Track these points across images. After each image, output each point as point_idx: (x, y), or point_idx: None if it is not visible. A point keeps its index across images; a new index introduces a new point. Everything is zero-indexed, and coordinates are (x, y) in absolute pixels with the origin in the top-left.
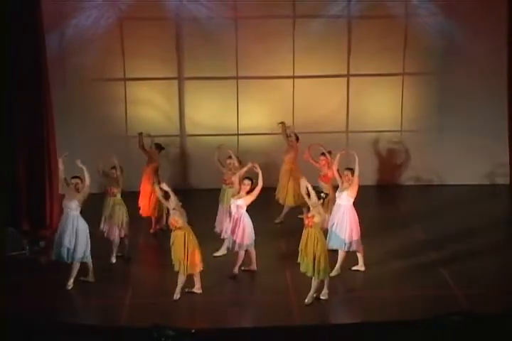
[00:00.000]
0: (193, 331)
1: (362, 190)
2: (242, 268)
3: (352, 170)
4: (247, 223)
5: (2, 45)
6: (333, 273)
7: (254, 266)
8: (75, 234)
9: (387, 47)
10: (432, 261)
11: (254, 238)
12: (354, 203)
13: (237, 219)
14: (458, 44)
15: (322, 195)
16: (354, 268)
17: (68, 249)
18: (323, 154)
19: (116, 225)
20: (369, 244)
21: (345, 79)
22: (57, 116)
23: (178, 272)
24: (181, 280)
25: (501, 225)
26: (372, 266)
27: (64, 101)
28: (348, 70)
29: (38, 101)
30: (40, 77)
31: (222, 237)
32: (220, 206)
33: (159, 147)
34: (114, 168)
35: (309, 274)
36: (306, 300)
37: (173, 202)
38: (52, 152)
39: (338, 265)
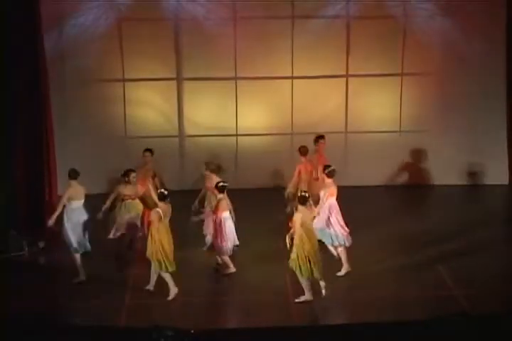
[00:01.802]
0: (193, 331)
1: (361, 191)
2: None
3: (324, 168)
4: (227, 228)
5: (1, 46)
6: (343, 272)
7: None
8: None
9: (386, 47)
10: (431, 261)
11: (234, 244)
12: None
13: (218, 224)
14: (456, 44)
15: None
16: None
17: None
18: (321, 137)
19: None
20: (368, 244)
21: (344, 79)
22: (56, 116)
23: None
24: (168, 277)
25: (501, 225)
26: (371, 265)
27: (63, 101)
28: (347, 70)
29: (37, 102)
30: (39, 77)
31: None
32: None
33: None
34: (133, 170)
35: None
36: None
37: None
38: (52, 152)
39: (344, 263)
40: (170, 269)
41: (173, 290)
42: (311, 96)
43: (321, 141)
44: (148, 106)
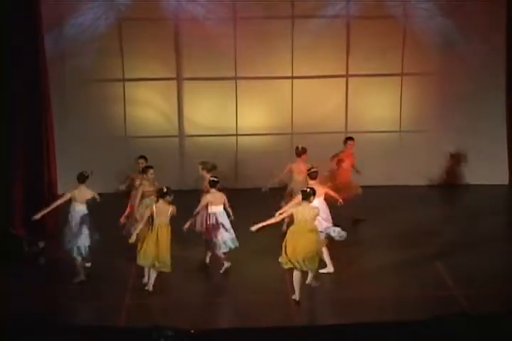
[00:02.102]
0: (192, 331)
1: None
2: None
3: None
4: (217, 223)
5: (1, 46)
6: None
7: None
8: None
9: (386, 47)
10: (431, 261)
11: (228, 237)
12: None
13: (209, 219)
14: (456, 44)
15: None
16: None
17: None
18: (350, 138)
19: None
20: (368, 244)
21: (344, 79)
22: (56, 116)
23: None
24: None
25: (501, 225)
26: (371, 265)
27: (63, 101)
28: (347, 70)
29: (37, 102)
30: (39, 77)
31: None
32: None
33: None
34: (151, 167)
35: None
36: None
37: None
38: (52, 152)
39: (328, 263)
40: (142, 262)
41: (146, 280)
42: (311, 96)
43: (350, 142)
44: (148, 106)
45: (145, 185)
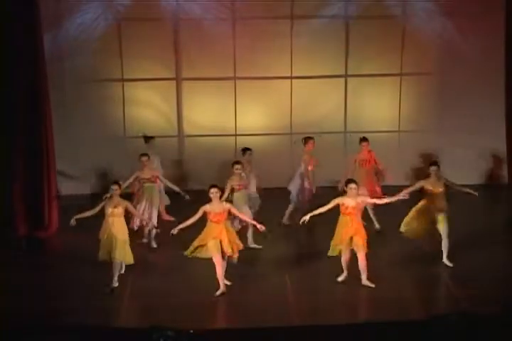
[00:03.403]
0: (192, 331)
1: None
2: None
3: None
4: None
5: (1, 46)
6: None
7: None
8: None
9: (385, 47)
10: (431, 261)
11: None
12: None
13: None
14: (455, 44)
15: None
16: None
17: None
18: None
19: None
20: (369, 245)
21: (343, 79)
22: (55, 116)
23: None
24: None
25: (501, 225)
26: (371, 265)
27: (62, 101)
28: (346, 71)
29: (37, 102)
30: (39, 77)
31: None
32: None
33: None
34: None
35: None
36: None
37: None
38: (51, 152)
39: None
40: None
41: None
42: (311, 96)
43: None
44: (147, 106)
45: (233, 179)
